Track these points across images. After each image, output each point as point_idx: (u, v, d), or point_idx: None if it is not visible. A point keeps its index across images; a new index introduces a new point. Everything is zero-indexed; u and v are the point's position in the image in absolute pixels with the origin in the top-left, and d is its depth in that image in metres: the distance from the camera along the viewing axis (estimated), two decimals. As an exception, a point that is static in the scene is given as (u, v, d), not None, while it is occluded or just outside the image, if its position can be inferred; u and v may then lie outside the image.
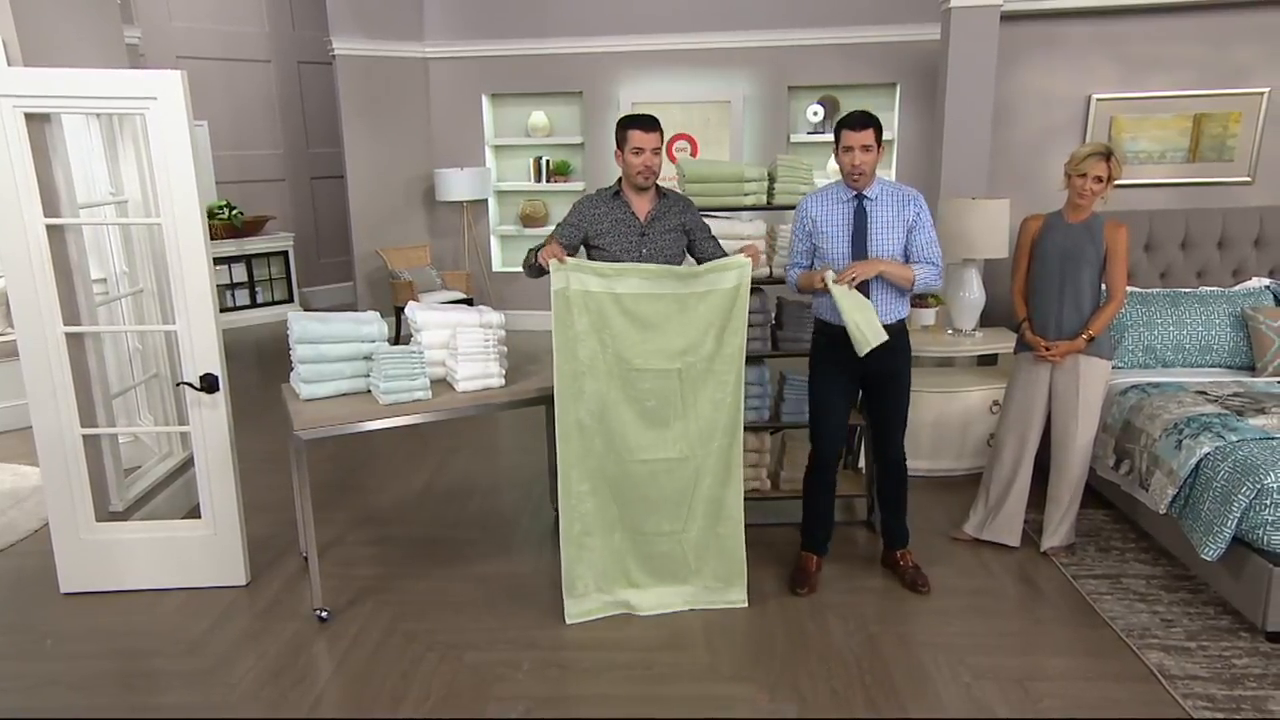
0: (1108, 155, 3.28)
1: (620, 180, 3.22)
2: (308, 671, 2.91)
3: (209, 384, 3.24)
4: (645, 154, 3.06)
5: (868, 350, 3.01)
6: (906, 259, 3.17)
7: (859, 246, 3.13)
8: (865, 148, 3.04)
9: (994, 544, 3.69)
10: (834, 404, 3.30)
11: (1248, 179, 4.98)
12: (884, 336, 3.02)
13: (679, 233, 3.23)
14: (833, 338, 3.18)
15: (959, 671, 2.85)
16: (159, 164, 3.09)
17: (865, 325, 3.00)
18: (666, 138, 7.75)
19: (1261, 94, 4.86)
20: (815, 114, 7.06)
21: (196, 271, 3.18)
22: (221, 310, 8.05)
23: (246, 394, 5.68)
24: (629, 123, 3.07)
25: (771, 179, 3.79)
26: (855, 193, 3.14)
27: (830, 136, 6.86)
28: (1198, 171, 5.00)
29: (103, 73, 3.12)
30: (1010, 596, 3.34)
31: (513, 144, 7.80)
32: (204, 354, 3.24)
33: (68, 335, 3.21)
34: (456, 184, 7.36)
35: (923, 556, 3.56)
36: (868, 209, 3.13)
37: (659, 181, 3.27)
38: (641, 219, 3.20)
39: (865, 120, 3.05)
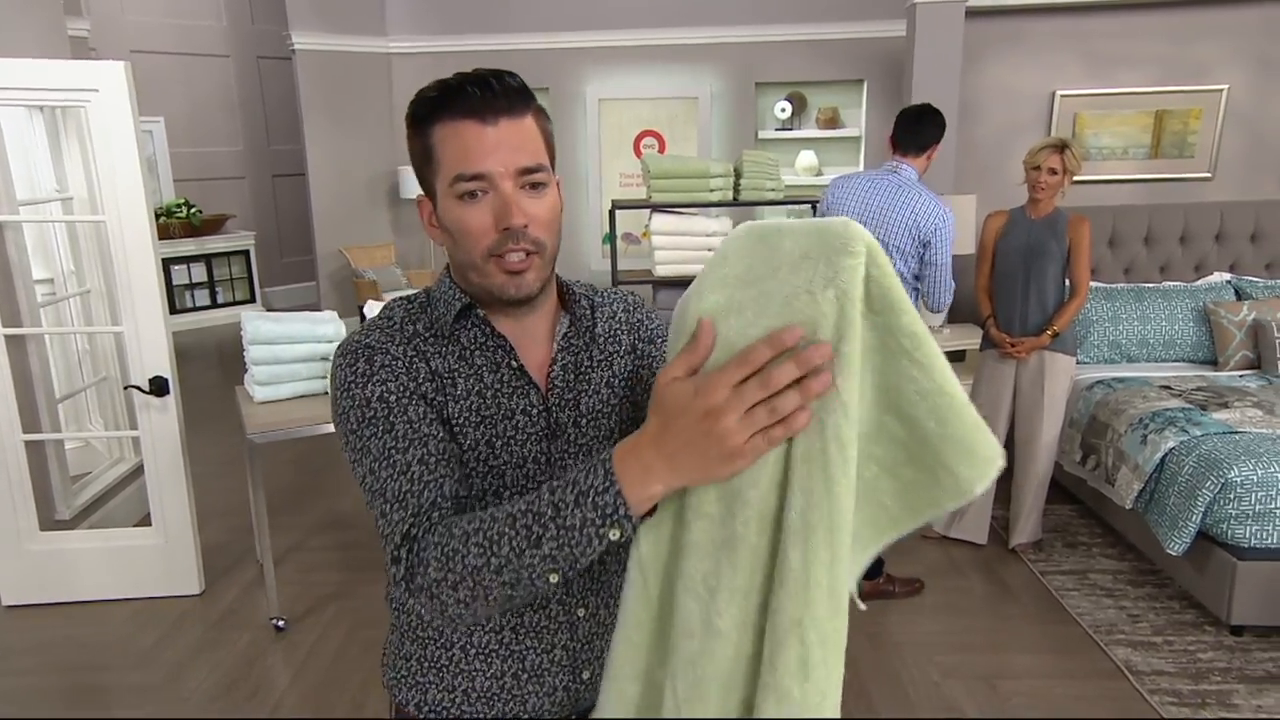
0: (1061, 148, 3.28)
1: (449, 281, 1.13)
2: (263, 683, 2.82)
3: (158, 387, 3.13)
4: (505, 185, 1.01)
5: None
6: None
7: None
8: None
9: (962, 541, 3.68)
10: None
11: (1208, 175, 5.04)
12: None
13: (622, 386, 1.18)
14: None
15: (928, 670, 2.83)
16: (102, 159, 2.98)
17: None
18: (633, 134, 7.87)
19: (1221, 91, 4.91)
20: (783, 110, 7.04)
21: (143, 271, 3.06)
22: (181, 311, 7.95)
23: (206, 396, 5.53)
24: (443, 105, 1.02)
25: (738, 174, 3.76)
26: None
27: (798, 134, 6.86)
28: (1159, 168, 5.05)
29: (40, 63, 3.00)
30: (979, 594, 3.33)
31: (478, 141, 7.68)
32: (153, 356, 3.13)
33: (7, 337, 3.09)
34: (421, 181, 7.24)
35: (892, 556, 3.54)
36: None
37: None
38: (537, 374, 1.13)
39: None
